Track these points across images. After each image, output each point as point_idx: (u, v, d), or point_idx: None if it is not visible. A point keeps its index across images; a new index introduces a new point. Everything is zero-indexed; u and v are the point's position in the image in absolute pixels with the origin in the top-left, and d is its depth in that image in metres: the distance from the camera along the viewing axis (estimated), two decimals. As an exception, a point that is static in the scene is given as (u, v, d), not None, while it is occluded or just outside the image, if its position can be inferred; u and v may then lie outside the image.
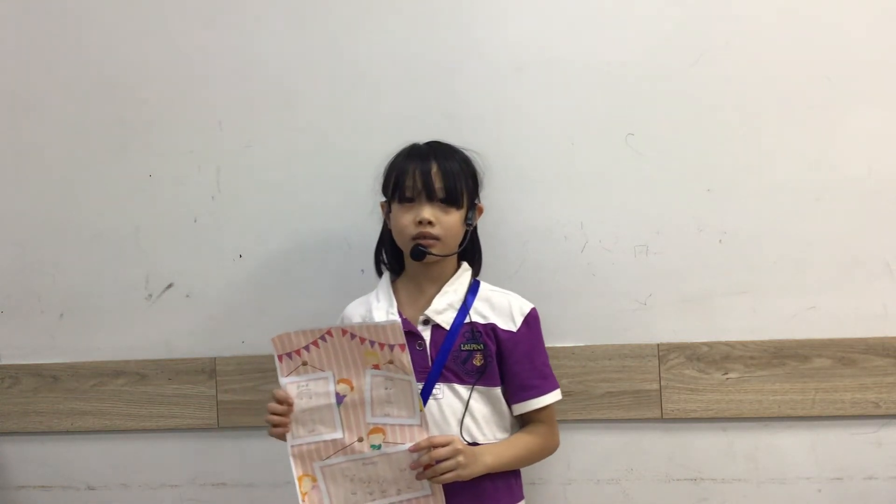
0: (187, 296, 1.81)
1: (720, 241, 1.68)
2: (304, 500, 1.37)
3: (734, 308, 1.67)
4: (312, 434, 1.38)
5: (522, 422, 1.49)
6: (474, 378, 1.43)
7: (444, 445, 1.33)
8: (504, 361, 1.46)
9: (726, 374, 1.66)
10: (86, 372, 1.82)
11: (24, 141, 1.85)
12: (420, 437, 1.35)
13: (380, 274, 1.58)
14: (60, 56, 1.84)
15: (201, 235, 1.80)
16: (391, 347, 1.36)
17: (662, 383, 1.67)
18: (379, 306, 1.49)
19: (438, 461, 1.33)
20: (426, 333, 1.45)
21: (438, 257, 1.45)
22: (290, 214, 1.78)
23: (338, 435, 1.37)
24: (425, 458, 1.33)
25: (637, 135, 1.69)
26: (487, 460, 1.38)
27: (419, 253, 1.43)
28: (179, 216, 1.81)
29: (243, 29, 1.79)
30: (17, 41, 1.86)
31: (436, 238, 1.43)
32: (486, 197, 1.62)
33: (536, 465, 1.57)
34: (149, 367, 1.81)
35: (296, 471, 1.38)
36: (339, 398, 1.38)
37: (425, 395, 1.41)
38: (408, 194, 1.44)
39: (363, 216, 1.74)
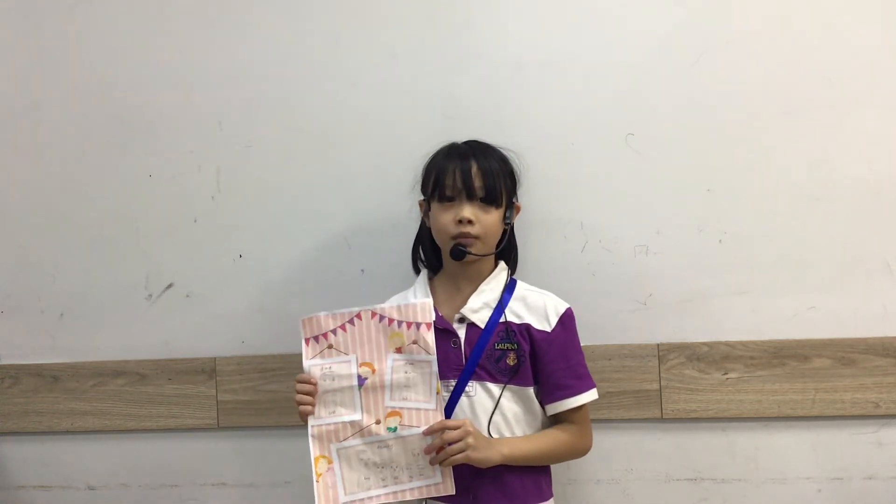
0: (187, 296, 1.81)
1: (720, 241, 1.68)
2: (318, 481, 1.39)
3: (734, 308, 1.67)
4: (333, 416, 1.41)
5: (556, 422, 1.49)
6: (507, 377, 1.43)
7: (455, 429, 1.35)
8: (538, 361, 1.46)
9: (726, 374, 1.66)
10: (86, 372, 1.82)
11: (24, 141, 1.85)
12: (435, 420, 1.38)
13: (417, 272, 1.59)
14: (61, 56, 1.84)
15: (201, 235, 1.80)
16: (417, 326, 1.40)
17: (662, 383, 1.67)
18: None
19: (450, 443, 1.34)
20: (461, 331, 1.46)
21: (478, 257, 1.46)
22: (289, 214, 1.78)
23: (357, 416, 1.40)
24: (437, 442, 1.35)
25: (637, 135, 1.69)
26: (504, 450, 1.39)
27: (459, 252, 1.44)
28: (179, 216, 1.81)
29: (243, 29, 1.79)
30: (17, 42, 1.86)
31: (475, 237, 1.44)
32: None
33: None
34: (149, 367, 1.81)
35: (313, 451, 1.40)
36: (361, 380, 1.41)
37: (458, 392, 1.43)
38: (448, 193, 1.45)
39: (363, 216, 1.74)
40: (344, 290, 1.73)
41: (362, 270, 1.75)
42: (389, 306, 1.42)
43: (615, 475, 1.70)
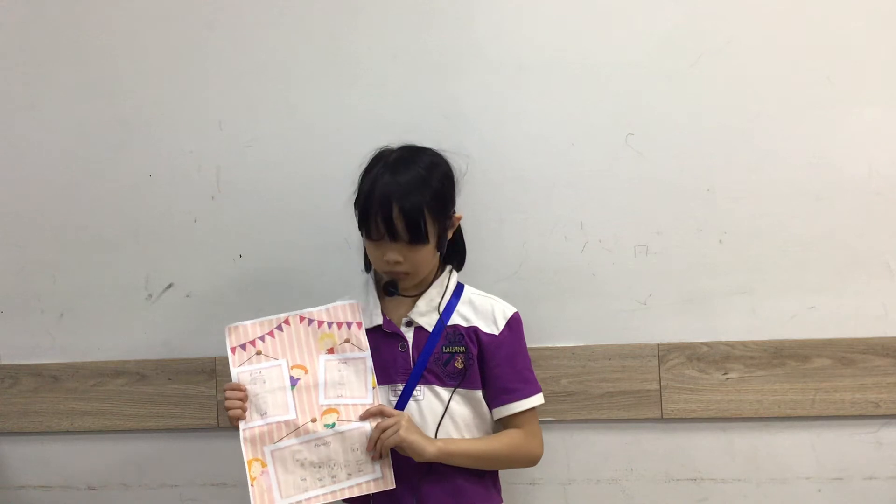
0: (187, 296, 1.81)
1: (720, 241, 1.68)
2: (252, 485, 1.37)
3: (734, 308, 1.67)
4: (265, 417, 1.39)
5: (504, 427, 1.48)
6: (455, 381, 1.43)
7: (390, 416, 1.37)
8: (485, 365, 1.45)
9: (726, 374, 1.66)
10: (86, 372, 1.82)
11: (23, 141, 1.85)
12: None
13: (368, 270, 1.56)
14: (60, 56, 1.84)
15: (201, 235, 1.80)
16: (349, 325, 1.41)
17: (662, 383, 1.67)
18: (363, 307, 1.48)
19: (384, 430, 1.35)
20: (409, 335, 1.45)
21: (408, 295, 1.46)
22: (289, 214, 1.78)
23: (291, 416, 1.39)
24: (374, 434, 1.36)
25: (637, 135, 1.69)
26: (439, 443, 1.38)
27: (390, 292, 1.45)
28: (179, 216, 1.81)
29: (243, 29, 1.79)
30: (17, 41, 1.85)
31: (405, 273, 1.43)
32: (486, 197, 1.63)
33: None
34: (149, 367, 1.81)
35: (246, 454, 1.38)
36: (294, 381, 1.41)
37: (406, 396, 1.42)
38: (373, 236, 1.41)
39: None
40: (344, 290, 1.73)
41: (363, 270, 1.75)
42: (318, 309, 1.43)
43: (615, 475, 1.70)
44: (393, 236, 1.39)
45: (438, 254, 1.46)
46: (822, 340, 1.64)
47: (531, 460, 1.49)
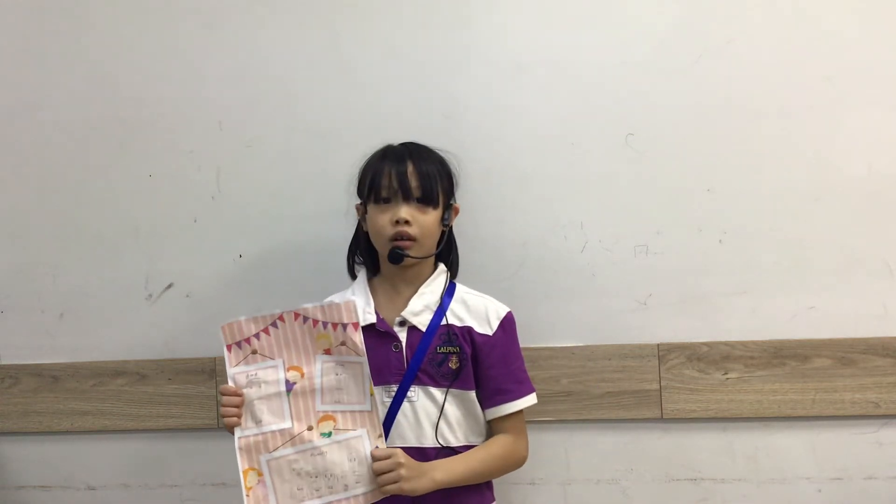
0: (187, 296, 1.81)
1: (720, 241, 1.68)
2: (248, 495, 1.34)
3: (734, 308, 1.67)
4: (260, 425, 1.36)
5: (494, 429, 1.47)
6: (449, 381, 1.42)
7: (385, 458, 1.33)
8: (479, 365, 1.44)
9: (726, 374, 1.66)
10: (86, 372, 1.82)
11: (24, 141, 1.85)
12: (370, 422, 1.36)
13: (352, 276, 1.57)
14: (60, 56, 1.84)
15: (201, 235, 1.80)
16: (344, 327, 1.37)
17: (662, 383, 1.67)
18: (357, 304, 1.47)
19: (380, 473, 1.32)
20: (402, 335, 1.44)
21: (416, 259, 1.45)
22: (289, 214, 1.78)
23: (286, 425, 1.36)
24: (374, 474, 1.33)
25: (637, 135, 1.69)
26: (437, 476, 1.36)
27: (397, 256, 1.42)
28: (179, 216, 1.81)
29: (243, 29, 1.79)
30: (17, 41, 1.86)
31: (413, 239, 1.42)
32: (487, 197, 1.63)
33: (535, 465, 1.57)
34: (149, 367, 1.81)
35: (241, 464, 1.35)
36: (289, 385, 1.38)
37: (400, 397, 1.41)
38: (384, 194, 1.44)
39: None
40: (343, 290, 1.73)
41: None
42: (313, 307, 1.39)
43: (615, 475, 1.70)
44: (405, 193, 1.42)
45: (440, 231, 1.47)
46: (822, 340, 1.64)
47: (520, 463, 1.49)
